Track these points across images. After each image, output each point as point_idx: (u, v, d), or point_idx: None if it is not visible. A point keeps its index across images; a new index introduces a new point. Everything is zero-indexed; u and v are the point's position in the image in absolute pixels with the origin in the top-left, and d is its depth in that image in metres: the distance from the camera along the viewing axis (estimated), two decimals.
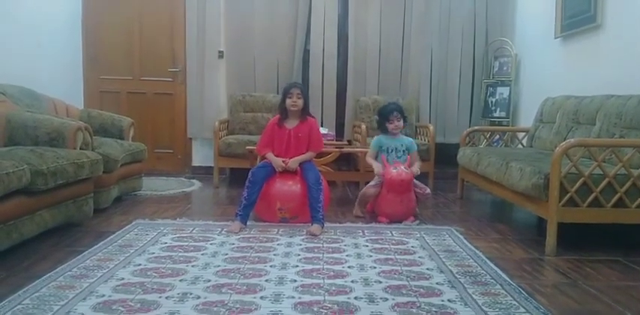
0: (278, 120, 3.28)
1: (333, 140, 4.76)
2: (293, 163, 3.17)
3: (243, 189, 3.08)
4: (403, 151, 3.41)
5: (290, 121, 3.27)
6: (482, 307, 1.87)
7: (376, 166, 3.34)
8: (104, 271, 2.19)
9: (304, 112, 3.26)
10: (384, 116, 3.41)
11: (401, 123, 3.39)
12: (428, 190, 3.36)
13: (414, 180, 3.28)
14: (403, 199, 3.22)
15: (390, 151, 3.40)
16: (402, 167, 3.21)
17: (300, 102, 3.20)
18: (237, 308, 1.81)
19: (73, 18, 5.02)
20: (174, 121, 5.38)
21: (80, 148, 3.13)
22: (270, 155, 3.23)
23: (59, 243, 2.66)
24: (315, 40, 5.20)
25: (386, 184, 3.23)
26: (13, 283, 2.04)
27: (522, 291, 2.04)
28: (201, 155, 5.38)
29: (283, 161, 3.18)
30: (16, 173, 2.31)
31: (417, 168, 3.31)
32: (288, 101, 3.20)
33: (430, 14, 5.24)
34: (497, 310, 1.85)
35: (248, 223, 3.06)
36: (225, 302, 1.86)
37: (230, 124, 5.09)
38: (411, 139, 3.52)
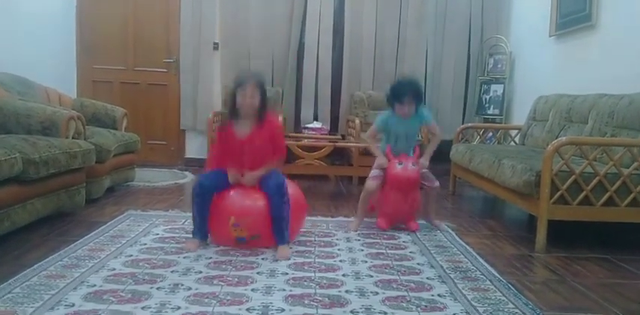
0: (228, 125, 2.55)
1: (326, 134, 4.77)
2: (249, 179, 2.47)
3: (192, 205, 2.49)
4: (413, 133, 2.97)
5: (242, 125, 2.51)
6: (472, 302, 1.89)
7: (379, 157, 2.93)
8: (95, 261, 2.19)
9: (262, 112, 2.49)
10: (396, 96, 2.87)
11: (413, 109, 2.86)
12: (437, 183, 2.96)
13: (424, 170, 2.91)
14: (407, 199, 2.85)
15: (398, 137, 2.93)
16: (410, 163, 2.82)
17: (256, 101, 2.43)
18: (228, 300, 1.82)
19: (68, 6, 4.97)
20: (168, 112, 5.36)
21: (72, 138, 3.12)
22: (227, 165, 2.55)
23: (51, 232, 2.65)
24: (310, 33, 5.19)
25: (389, 180, 2.85)
26: (4, 271, 2.03)
27: (512, 287, 2.06)
28: (195, 147, 5.37)
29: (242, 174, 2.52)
30: (8, 161, 2.30)
31: (426, 159, 2.93)
32: (240, 99, 2.44)
33: (426, 10, 5.24)
34: (486, 305, 1.87)
35: None
36: (217, 294, 1.87)
37: (223, 117, 5.07)
38: (424, 111, 2.95)
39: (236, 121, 2.52)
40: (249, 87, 2.42)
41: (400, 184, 2.82)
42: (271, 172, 2.51)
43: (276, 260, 2.30)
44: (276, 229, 2.42)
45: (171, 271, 2.09)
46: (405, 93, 2.82)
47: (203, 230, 2.48)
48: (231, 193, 2.47)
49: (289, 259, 2.33)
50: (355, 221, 2.95)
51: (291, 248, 2.46)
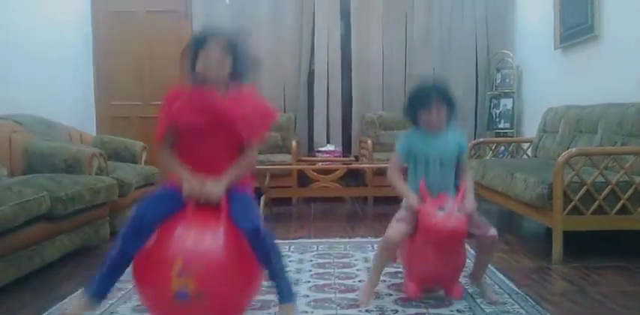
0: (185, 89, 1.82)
1: (340, 156, 4.85)
2: (213, 186, 1.72)
3: (116, 244, 1.73)
4: (449, 158, 2.09)
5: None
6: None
7: (408, 194, 2.06)
8: (123, 291, 2.26)
9: (235, 78, 1.80)
10: (419, 100, 2.08)
11: (444, 116, 2.06)
12: (492, 231, 2.06)
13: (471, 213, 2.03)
14: (450, 258, 2.01)
15: (429, 164, 2.07)
16: (455, 208, 1.96)
17: (225, 68, 1.76)
18: None
19: (85, 46, 5.18)
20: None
21: (95, 174, 3.24)
22: (176, 164, 1.81)
23: (78, 266, 2.75)
24: (319, 60, 5.32)
25: (425, 234, 1.98)
26: (38, 304, 2.12)
27: (529, 299, 2.09)
28: None
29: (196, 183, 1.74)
30: (37, 200, 2.41)
31: (471, 198, 2.06)
32: (201, 63, 1.75)
33: (432, 30, 5.35)
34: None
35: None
36: None
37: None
38: (460, 133, 2.18)
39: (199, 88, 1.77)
40: (213, 46, 1.73)
41: (442, 239, 1.95)
42: (241, 196, 1.78)
43: (297, 283, 2.35)
44: (274, 280, 1.78)
45: None
46: (432, 93, 2.05)
47: (109, 284, 1.74)
48: (181, 225, 1.68)
49: None
50: (366, 288, 2.13)
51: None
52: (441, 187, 2.06)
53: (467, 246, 2.15)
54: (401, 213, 2.09)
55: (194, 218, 1.70)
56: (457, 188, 2.08)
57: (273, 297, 2.01)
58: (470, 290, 2.21)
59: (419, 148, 2.08)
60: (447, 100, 2.06)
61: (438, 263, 2.00)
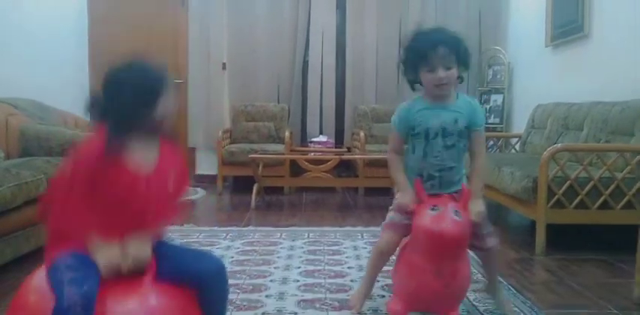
0: (116, 149, 1.29)
1: (332, 147, 4.92)
2: (138, 248, 1.28)
3: None
4: (459, 132, 1.70)
5: (138, 151, 1.33)
6: (474, 302, 2.01)
7: (402, 189, 1.76)
8: None
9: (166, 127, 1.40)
10: (418, 55, 1.66)
11: (453, 72, 1.64)
12: (490, 243, 1.79)
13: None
14: (443, 272, 1.63)
15: (431, 135, 1.70)
16: (450, 207, 1.64)
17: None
18: (244, 305, 1.96)
19: (80, 31, 5.18)
20: (177, 131, 5.52)
21: None
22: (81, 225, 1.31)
23: None
24: (313, 51, 5.36)
25: (413, 237, 1.70)
26: None
27: (511, 288, 2.18)
28: (205, 164, 5.52)
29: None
30: (35, 182, 2.46)
31: (478, 201, 1.73)
32: (165, 108, 1.35)
33: (425, 24, 5.38)
34: (486, 305, 1.99)
35: None
36: (234, 301, 1.99)
37: (232, 133, 5.24)
38: (470, 98, 1.78)
39: (128, 145, 1.31)
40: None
41: (431, 244, 1.62)
42: (175, 247, 1.41)
43: (288, 268, 2.42)
44: None
45: None
46: (436, 44, 1.61)
47: None
48: (122, 301, 1.22)
49: None
50: (356, 296, 1.93)
51: None
52: (444, 170, 1.71)
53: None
54: (391, 216, 1.80)
55: (129, 294, 1.24)
56: (466, 177, 1.76)
57: (258, 296, 2.09)
58: None
59: (418, 121, 1.69)
60: (458, 51, 1.62)
61: (426, 276, 1.63)
